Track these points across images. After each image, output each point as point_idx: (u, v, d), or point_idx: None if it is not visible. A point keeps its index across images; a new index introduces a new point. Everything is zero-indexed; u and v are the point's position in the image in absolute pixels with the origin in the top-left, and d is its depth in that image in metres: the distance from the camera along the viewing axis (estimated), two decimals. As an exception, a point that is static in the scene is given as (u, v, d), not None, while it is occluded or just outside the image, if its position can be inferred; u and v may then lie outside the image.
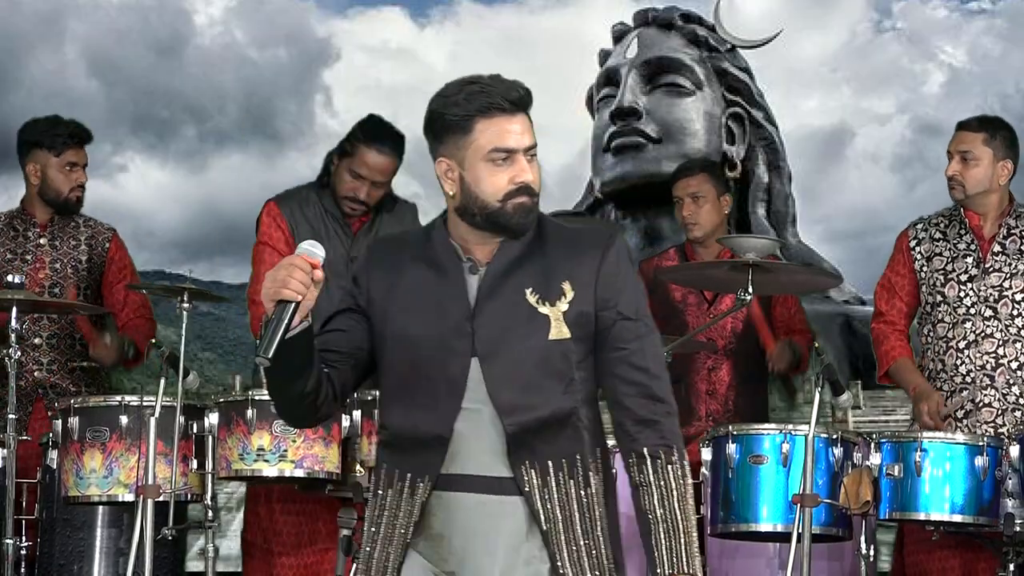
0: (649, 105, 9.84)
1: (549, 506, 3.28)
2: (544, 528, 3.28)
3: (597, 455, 3.34)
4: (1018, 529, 5.21)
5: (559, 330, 3.30)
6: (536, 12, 9.97)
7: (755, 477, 5.32)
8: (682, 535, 3.27)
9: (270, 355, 3.10)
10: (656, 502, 3.28)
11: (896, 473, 5.27)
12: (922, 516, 5.30)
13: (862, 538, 5.32)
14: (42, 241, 6.30)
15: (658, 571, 3.26)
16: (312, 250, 3.19)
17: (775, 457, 5.31)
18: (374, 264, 3.38)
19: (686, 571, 3.25)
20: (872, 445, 5.33)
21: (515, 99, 3.28)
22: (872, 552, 5.32)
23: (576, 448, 3.31)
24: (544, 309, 3.31)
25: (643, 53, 9.97)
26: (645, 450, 3.29)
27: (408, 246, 3.39)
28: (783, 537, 5.33)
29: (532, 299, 3.31)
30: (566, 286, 3.32)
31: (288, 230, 5.87)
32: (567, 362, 3.30)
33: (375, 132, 5.83)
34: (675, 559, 3.25)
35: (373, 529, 3.35)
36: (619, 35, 10.14)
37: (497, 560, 3.27)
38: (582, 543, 3.30)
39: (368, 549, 3.35)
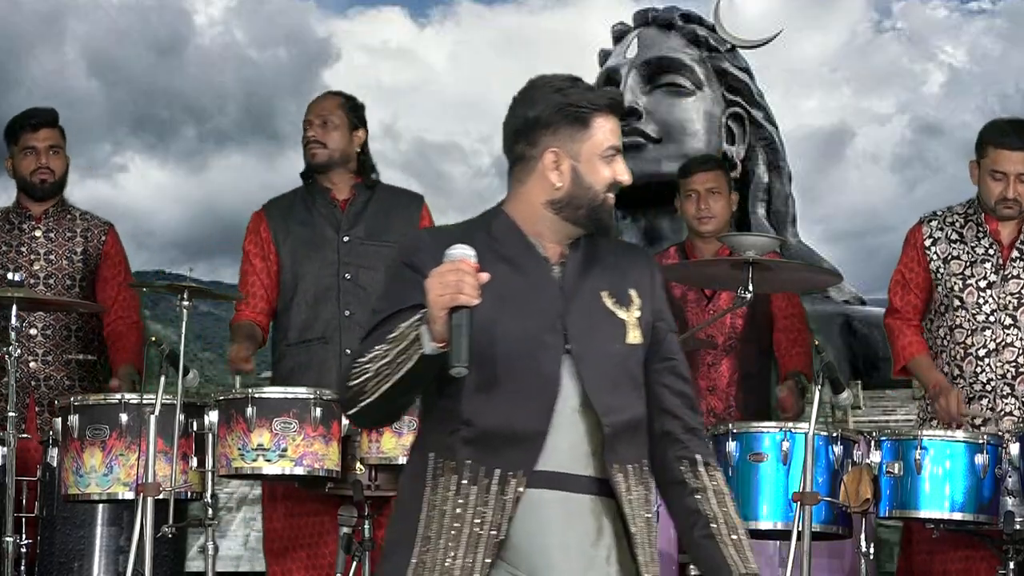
0: (649, 105, 9.84)
1: (632, 510, 3.30)
2: (632, 531, 3.30)
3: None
4: (1018, 527, 5.21)
5: (634, 335, 3.35)
6: (536, 12, 9.99)
7: (755, 475, 5.32)
8: (742, 535, 3.37)
9: (467, 362, 3.07)
10: (715, 505, 3.37)
11: (896, 471, 5.27)
12: (922, 514, 5.30)
13: (862, 536, 5.32)
14: (37, 233, 6.31)
15: (732, 572, 3.32)
16: (468, 253, 3.12)
17: (775, 455, 5.31)
18: (434, 258, 3.19)
19: (754, 571, 3.35)
20: (872, 443, 5.33)
21: (622, 102, 3.43)
22: (872, 550, 5.32)
23: (644, 454, 3.37)
24: (621, 313, 3.35)
25: (643, 53, 9.97)
26: (698, 456, 3.40)
27: (467, 240, 3.23)
28: (783, 535, 5.33)
29: (609, 302, 3.35)
30: (633, 293, 3.38)
31: (269, 235, 5.92)
32: (640, 368, 3.37)
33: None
34: (742, 559, 3.34)
35: (447, 530, 3.21)
36: (619, 35, 10.15)
37: (572, 559, 3.26)
38: (653, 549, 3.35)
39: (439, 553, 3.20)
